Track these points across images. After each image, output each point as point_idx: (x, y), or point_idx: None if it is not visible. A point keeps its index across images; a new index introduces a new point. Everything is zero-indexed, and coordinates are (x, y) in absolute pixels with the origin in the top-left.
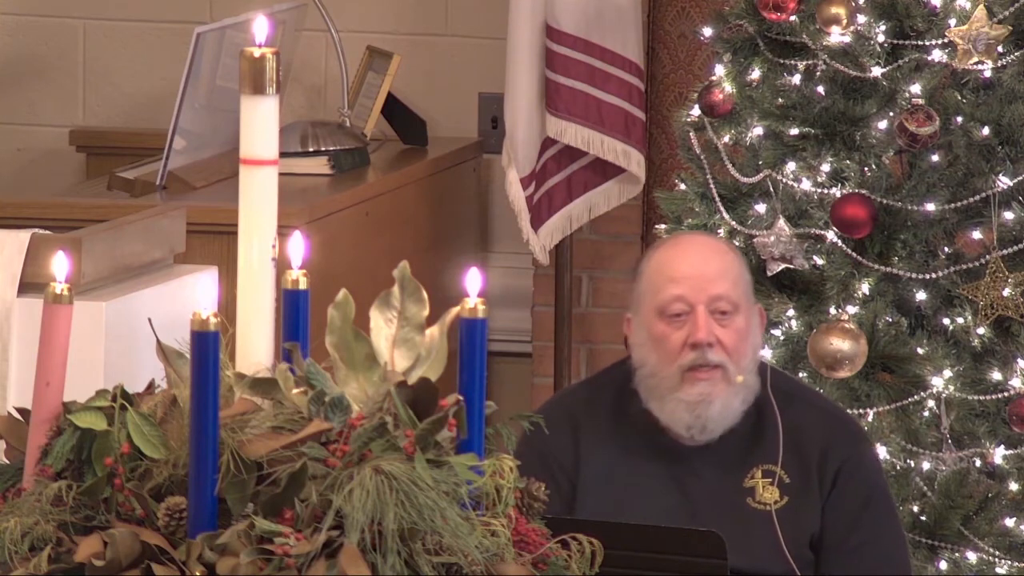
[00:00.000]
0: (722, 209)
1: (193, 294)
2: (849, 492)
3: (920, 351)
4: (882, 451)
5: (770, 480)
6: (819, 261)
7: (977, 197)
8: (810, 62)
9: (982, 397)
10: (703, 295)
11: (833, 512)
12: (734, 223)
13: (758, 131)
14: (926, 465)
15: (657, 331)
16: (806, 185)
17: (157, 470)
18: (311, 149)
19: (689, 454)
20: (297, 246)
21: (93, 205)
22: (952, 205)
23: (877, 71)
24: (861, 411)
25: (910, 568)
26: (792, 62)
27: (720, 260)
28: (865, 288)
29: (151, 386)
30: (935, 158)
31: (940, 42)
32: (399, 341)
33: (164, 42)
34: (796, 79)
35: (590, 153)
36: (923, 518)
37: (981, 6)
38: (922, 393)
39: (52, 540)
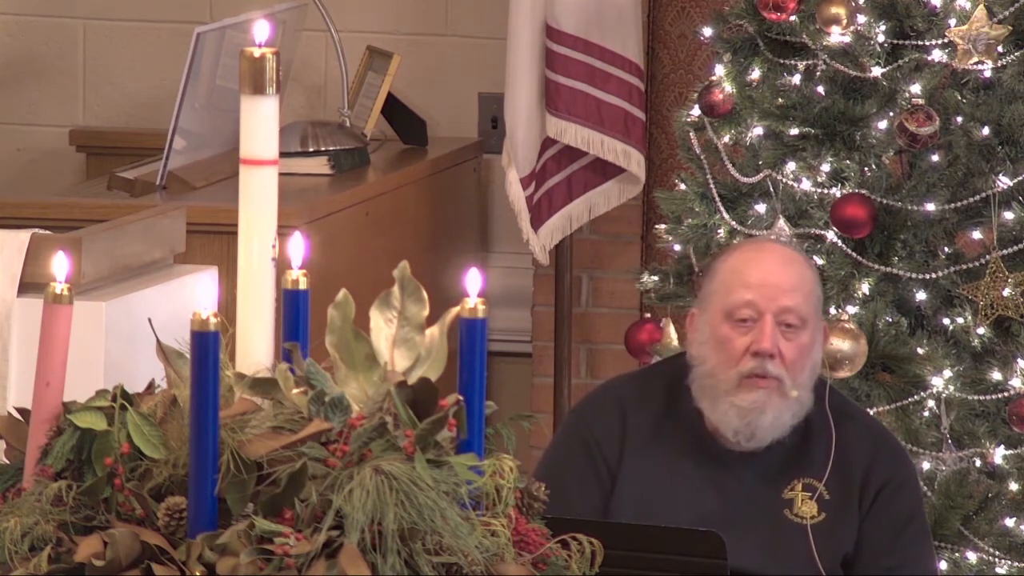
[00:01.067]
0: (722, 209)
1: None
2: (888, 514)
3: (920, 351)
4: None
5: (810, 494)
6: (819, 261)
7: (977, 197)
8: (810, 62)
9: (982, 397)
10: (773, 305)
11: (870, 532)
12: (734, 223)
13: (758, 131)
14: (926, 465)
15: (722, 333)
16: (806, 185)
17: (157, 470)
18: (311, 149)
19: (732, 459)
20: (297, 246)
21: (93, 205)
22: (952, 205)
23: (877, 71)
24: None
25: None
26: (792, 62)
27: (796, 272)
28: (865, 288)
29: (151, 386)
30: (935, 158)
31: (940, 42)
32: (399, 341)
33: (164, 42)
34: (796, 79)
35: (590, 153)
36: (926, 519)
37: (981, 6)
38: (922, 393)
39: (52, 540)
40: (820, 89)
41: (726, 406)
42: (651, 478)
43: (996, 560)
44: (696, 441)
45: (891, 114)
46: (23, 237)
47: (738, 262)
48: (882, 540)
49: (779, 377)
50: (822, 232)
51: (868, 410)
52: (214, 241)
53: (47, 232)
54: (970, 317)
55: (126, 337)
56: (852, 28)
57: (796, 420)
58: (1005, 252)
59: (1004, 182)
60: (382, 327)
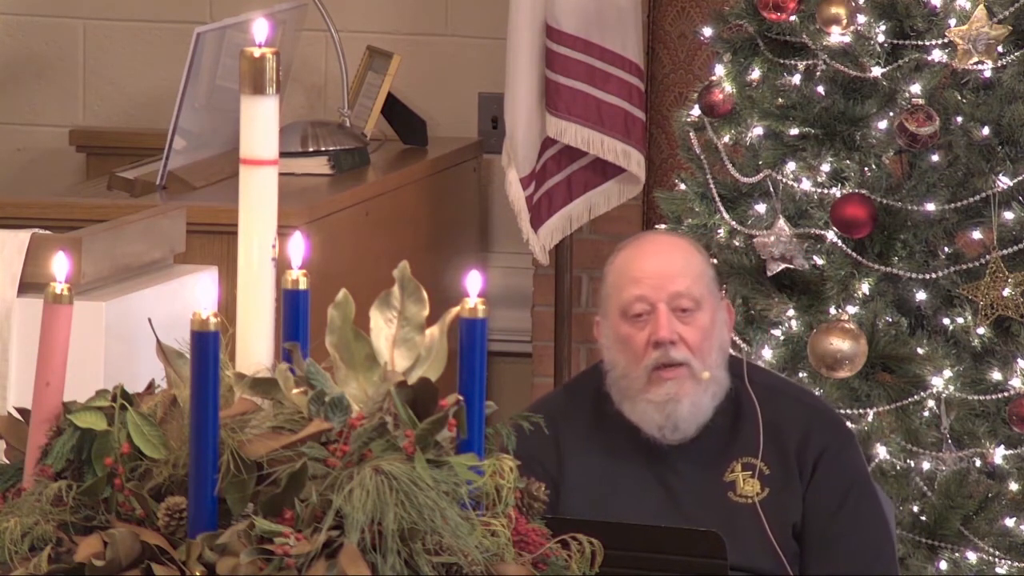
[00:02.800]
0: (722, 209)
1: (193, 294)
2: (829, 481)
3: (920, 351)
4: (882, 451)
5: (750, 473)
6: (819, 261)
7: (977, 197)
8: (810, 62)
9: (982, 397)
10: (663, 293)
11: (814, 501)
12: (734, 223)
13: (758, 131)
14: (926, 465)
15: (622, 332)
16: (806, 185)
17: (157, 470)
18: (311, 149)
19: (668, 452)
20: (297, 246)
21: (93, 205)
22: (952, 205)
23: (877, 71)
24: (861, 411)
25: (894, 556)
26: (792, 62)
27: (680, 257)
28: (865, 288)
29: (151, 386)
30: (935, 158)
31: (940, 42)
32: (399, 341)
33: (164, 42)
34: (796, 79)
35: (590, 153)
36: (923, 518)
37: (981, 6)
38: (922, 393)
39: (52, 540)
40: (820, 89)
41: (643, 404)
42: (593, 485)
43: (996, 560)
44: (629, 442)
45: (891, 114)
46: (23, 237)
47: (623, 260)
48: (827, 507)
49: (685, 362)
50: (822, 232)
51: (868, 410)
52: (214, 241)
53: (47, 232)
54: (970, 317)
55: (126, 337)
56: (852, 28)
57: (716, 401)
58: (1005, 252)
59: (1004, 182)
60: (382, 327)
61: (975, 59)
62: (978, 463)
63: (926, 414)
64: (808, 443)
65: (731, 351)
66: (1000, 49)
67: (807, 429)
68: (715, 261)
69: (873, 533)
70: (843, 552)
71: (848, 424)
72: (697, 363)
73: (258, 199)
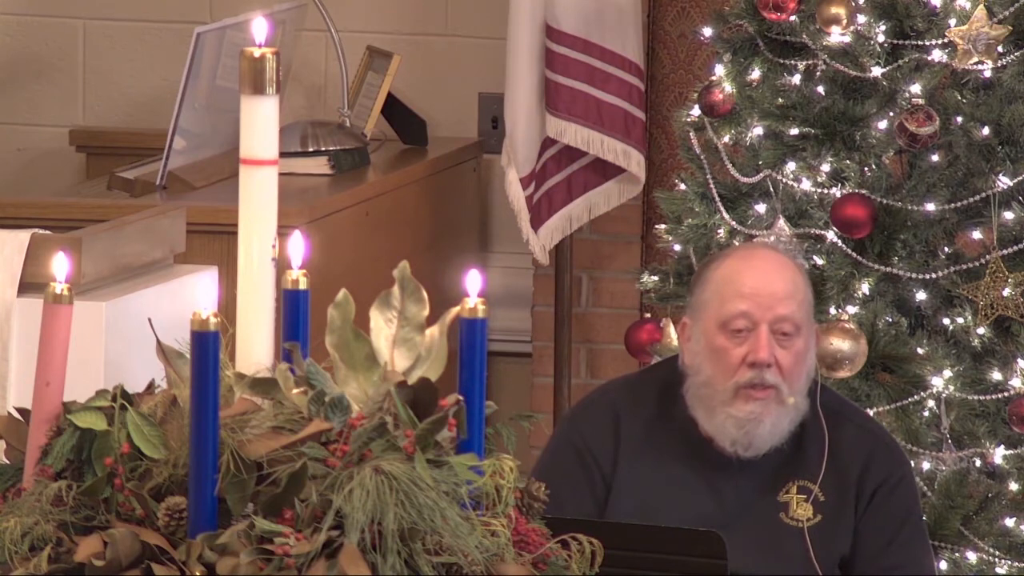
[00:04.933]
0: (722, 209)
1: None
2: (884, 514)
3: (920, 351)
4: None
5: (805, 497)
6: (819, 261)
7: (977, 197)
8: (810, 62)
9: (982, 397)
10: (769, 314)
11: (866, 532)
12: (734, 223)
13: (758, 131)
14: (926, 465)
15: (717, 343)
16: (806, 185)
17: (157, 470)
18: (311, 149)
19: (727, 464)
20: (297, 246)
21: (93, 205)
22: (952, 205)
23: (877, 71)
24: None
25: None
26: (792, 62)
27: (789, 279)
28: (865, 288)
29: (151, 386)
30: (935, 158)
31: (940, 42)
32: (399, 341)
33: (164, 42)
34: (796, 79)
35: (590, 153)
36: (923, 518)
37: (981, 6)
38: (922, 393)
39: (52, 540)
40: (820, 89)
41: (723, 417)
42: (646, 484)
43: (996, 560)
44: (690, 447)
45: (891, 114)
46: (23, 237)
47: (730, 271)
48: (878, 541)
49: (776, 386)
50: (822, 232)
51: (868, 410)
52: (214, 241)
53: (47, 232)
54: (970, 317)
55: (126, 337)
56: (852, 28)
57: (793, 426)
58: (1005, 252)
59: (1004, 182)
60: (382, 327)
61: (975, 59)
62: (978, 463)
63: (926, 414)
64: (867, 474)
65: None
66: (1000, 49)
67: (868, 459)
68: None
69: (921, 569)
70: None
71: (905, 452)
72: (786, 388)
73: (258, 199)
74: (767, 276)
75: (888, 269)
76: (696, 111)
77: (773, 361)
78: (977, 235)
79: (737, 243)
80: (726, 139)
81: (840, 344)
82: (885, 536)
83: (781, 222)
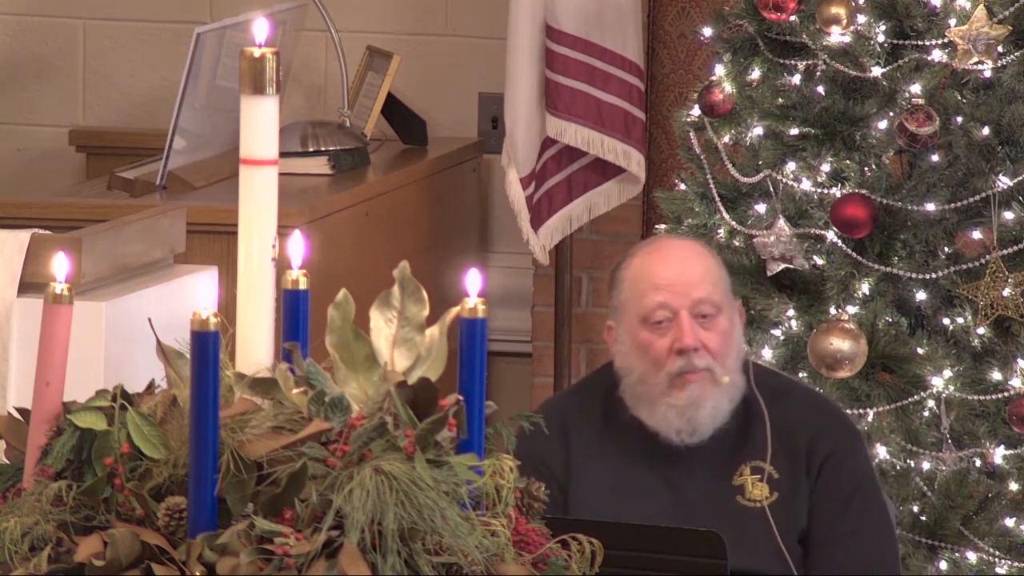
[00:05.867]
0: (722, 209)
1: (193, 294)
2: (835, 482)
3: (920, 351)
4: (882, 451)
5: (759, 476)
6: (819, 261)
7: (977, 197)
8: (810, 62)
9: (982, 397)
10: (686, 300)
11: (819, 502)
12: (734, 223)
13: (758, 131)
14: (926, 465)
15: (642, 339)
16: (806, 185)
17: (157, 470)
18: (311, 149)
19: (679, 456)
20: (297, 246)
21: (93, 205)
22: (952, 205)
23: (877, 71)
24: (861, 411)
25: (898, 559)
26: (792, 62)
27: (700, 263)
28: (865, 288)
29: (151, 386)
30: (935, 158)
31: (940, 42)
32: (399, 341)
33: (164, 42)
34: (796, 79)
35: (590, 153)
36: (923, 518)
37: (981, 6)
38: (922, 393)
39: (52, 540)
40: (820, 89)
41: (663, 408)
42: (602, 488)
43: (996, 560)
44: (641, 446)
45: (891, 114)
46: (23, 237)
47: (640, 267)
48: (831, 510)
49: (708, 368)
50: (822, 232)
51: (868, 410)
52: (214, 241)
53: (47, 232)
54: (970, 317)
55: (126, 337)
56: (852, 28)
57: (733, 404)
58: (1005, 252)
59: (1004, 182)
60: (382, 327)
61: (975, 59)
62: (978, 463)
63: (926, 414)
64: (816, 445)
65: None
66: (1000, 49)
67: (816, 431)
68: None
69: (878, 536)
70: (847, 555)
71: (855, 423)
72: (718, 368)
73: (258, 199)
74: (677, 264)
75: (888, 269)
76: (696, 111)
77: (700, 344)
78: (977, 235)
79: (737, 243)
80: (726, 139)
81: (840, 344)
82: (837, 505)
83: (781, 222)
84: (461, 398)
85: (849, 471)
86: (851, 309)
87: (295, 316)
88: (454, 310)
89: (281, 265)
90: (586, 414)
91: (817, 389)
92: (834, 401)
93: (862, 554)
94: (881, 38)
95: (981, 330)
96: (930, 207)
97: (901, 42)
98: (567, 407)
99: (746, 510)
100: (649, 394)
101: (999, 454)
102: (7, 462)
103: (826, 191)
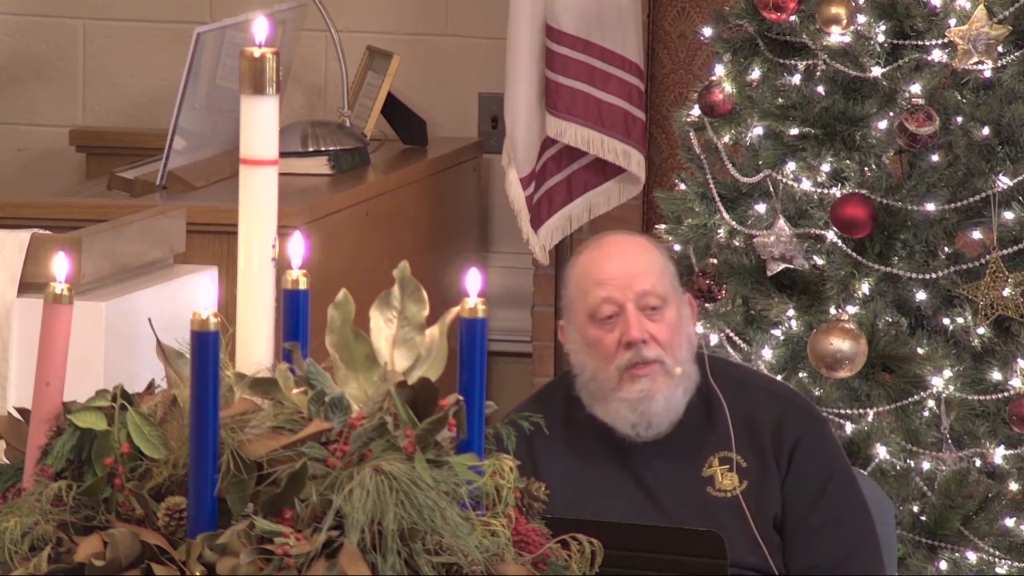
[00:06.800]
0: (722, 209)
1: (193, 294)
2: (806, 471)
3: (920, 351)
4: (882, 451)
5: (727, 467)
6: (819, 261)
7: (977, 197)
8: (810, 62)
9: (982, 397)
10: (630, 293)
11: (793, 492)
12: (734, 223)
13: (758, 131)
14: (926, 465)
15: (590, 335)
16: (806, 185)
17: (157, 470)
18: (311, 149)
19: (643, 451)
20: (297, 246)
21: (93, 205)
22: (952, 205)
23: (877, 71)
24: (861, 411)
25: (878, 543)
26: (792, 62)
27: (642, 256)
28: (865, 288)
29: (151, 386)
30: (935, 158)
31: (940, 42)
32: (399, 341)
33: (164, 42)
34: (796, 79)
35: (590, 153)
36: (923, 518)
37: (981, 6)
38: (922, 393)
39: (52, 540)
40: (820, 89)
41: (616, 403)
42: (570, 490)
43: (996, 560)
44: (602, 444)
45: (891, 114)
46: (23, 237)
47: (585, 264)
48: (804, 501)
49: (659, 359)
50: (822, 232)
51: (868, 410)
52: (214, 241)
53: (47, 232)
54: (970, 317)
55: (126, 337)
56: (852, 28)
57: (688, 396)
58: (1005, 252)
59: (1004, 182)
60: (382, 327)
61: (975, 59)
62: (978, 463)
63: (926, 414)
64: (781, 433)
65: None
66: (1000, 49)
67: (779, 419)
68: (715, 261)
69: (854, 520)
70: (825, 541)
71: (820, 410)
72: (669, 359)
73: (258, 199)
74: (620, 258)
75: (888, 269)
76: (696, 111)
77: (648, 336)
78: (977, 235)
79: (737, 243)
80: (726, 139)
81: (840, 344)
82: (809, 495)
83: (781, 222)
84: (461, 398)
85: (820, 458)
86: (851, 309)
87: (295, 316)
88: (454, 310)
89: (281, 265)
90: (546, 418)
91: (777, 378)
92: (795, 390)
93: (841, 540)
94: (881, 38)
95: (981, 330)
96: (930, 207)
97: (901, 42)
98: (530, 413)
99: (717, 501)
100: (601, 390)
101: (999, 454)
102: (7, 462)
103: (826, 191)
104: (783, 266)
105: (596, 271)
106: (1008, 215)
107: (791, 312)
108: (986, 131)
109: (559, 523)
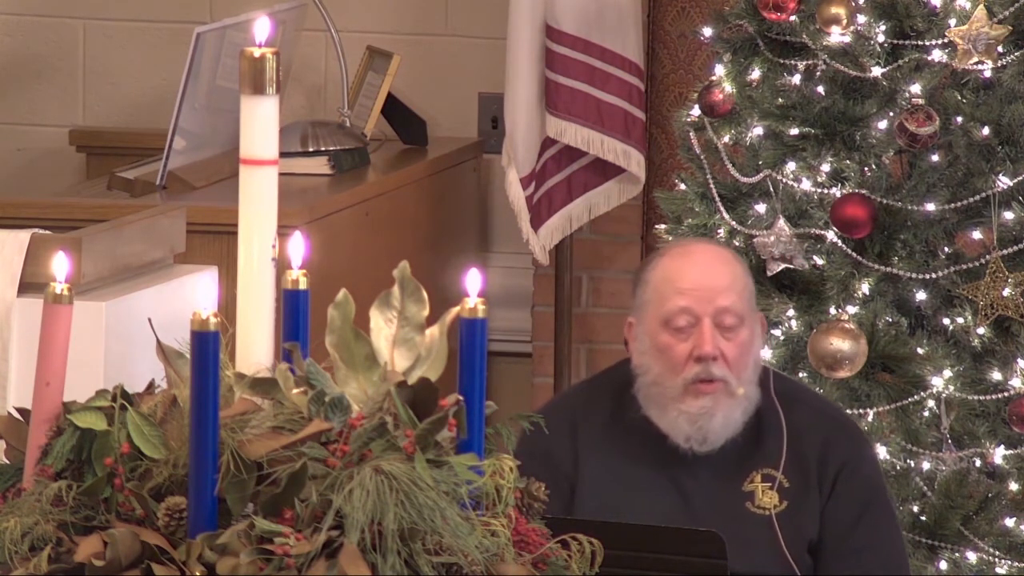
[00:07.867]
0: (722, 209)
1: (193, 294)
2: (848, 495)
3: (920, 351)
4: (882, 451)
5: (770, 484)
6: (819, 261)
7: (977, 197)
8: (810, 62)
9: (982, 397)
10: (710, 307)
11: (832, 515)
12: (734, 223)
13: (758, 131)
14: (926, 465)
15: (661, 341)
16: (806, 185)
17: (157, 470)
18: (311, 149)
19: (688, 459)
20: (297, 246)
21: (93, 205)
22: (952, 205)
23: (877, 71)
24: (861, 411)
25: (908, 569)
26: (792, 62)
27: (727, 271)
28: (865, 288)
29: (151, 386)
30: (935, 158)
31: (940, 42)
32: (399, 341)
33: (164, 42)
34: (796, 79)
35: (590, 153)
36: (923, 518)
37: (981, 6)
38: (922, 393)
39: (52, 540)
40: (820, 89)
41: (675, 413)
42: (609, 485)
43: (996, 560)
44: (648, 446)
45: (891, 114)
46: (23, 237)
47: (668, 269)
48: (845, 522)
49: (724, 378)
50: (822, 232)
51: (867, 410)
52: (214, 241)
53: (47, 232)
54: (970, 317)
55: (126, 337)
56: (852, 28)
57: (746, 416)
58: (1005, 252)
59: (1004, 182)
60: (382, 327)
61: (975, 59)
62: (978, 463)
63: (926, 414)
64: (828, 455)
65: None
66: (1000, 49)
67: (826, 441)
68: None
69: (890, 548)
70: (860, 568)
71: (865, 433)
72: (734, 379)
73: (258, 199)
74: (705, 270)
75: (888, 269)
76: (696, 111)
77: (718, 354)
78: (977, 235)
79: (737, 243)
80: (726, 139)
81: (840, 344)
82: (850, 519)
83: (781, 222)
84: (461, 398)
85: (862, 483)
86: (851, 309)
87: (295, 316)
88: (454, 310)
89: (281, 265)
90: (596, 409)
91: (818, 391)
92: (843, 410)
93: (874, 567)
94: (881, 38)
95: (981, 330)
96: (930, 207)
97: (901, 42)
98: (577, 401)
99: (754, 517)
100: (662, 396)
101: (999, 454)
102: (7, 462)
103: (826, 191)
104: (783, 266)
105: (678, 278)
106: (1008, 215)
107: (791, 312)
108: (986, 131)
109: (559, 523)
